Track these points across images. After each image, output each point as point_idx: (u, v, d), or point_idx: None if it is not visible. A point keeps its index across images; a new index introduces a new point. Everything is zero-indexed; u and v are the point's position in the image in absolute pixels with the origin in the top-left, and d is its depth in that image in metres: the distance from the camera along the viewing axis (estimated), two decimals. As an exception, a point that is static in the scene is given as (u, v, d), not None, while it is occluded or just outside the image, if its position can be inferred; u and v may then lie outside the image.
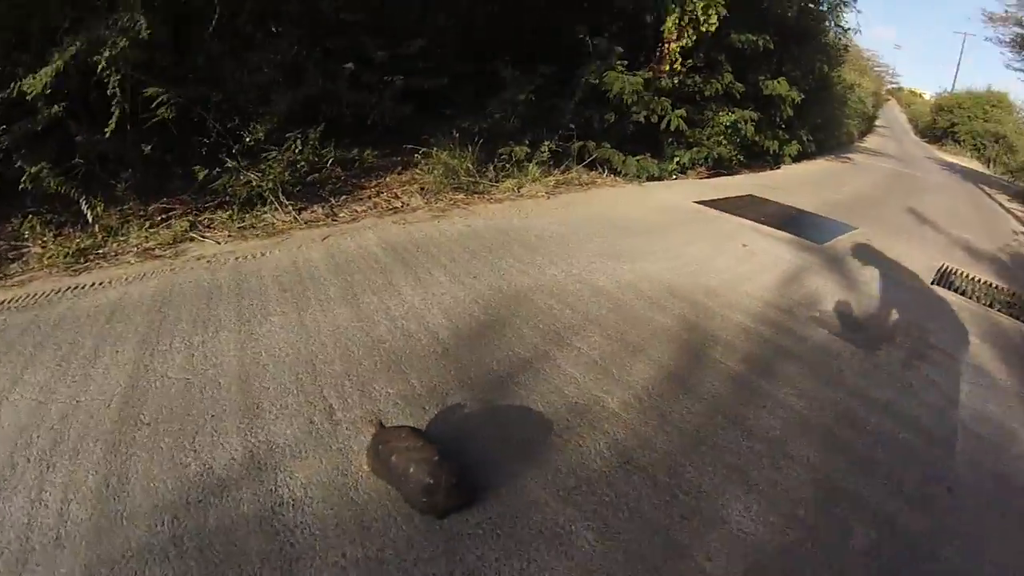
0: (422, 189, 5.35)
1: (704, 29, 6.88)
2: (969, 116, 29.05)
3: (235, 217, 4.03)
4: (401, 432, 1.76)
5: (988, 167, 25.00)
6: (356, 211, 4.66)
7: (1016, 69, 23.83)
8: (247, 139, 4.39)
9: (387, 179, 5.38)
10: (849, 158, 14.75)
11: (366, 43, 5.34)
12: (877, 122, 28.66)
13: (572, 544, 1.65)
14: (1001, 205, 12.54)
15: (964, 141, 28.57)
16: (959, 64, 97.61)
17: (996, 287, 5.15)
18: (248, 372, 2.27)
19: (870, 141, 19.97)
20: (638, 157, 7.04)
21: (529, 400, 2.30)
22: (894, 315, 4.00)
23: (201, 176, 4.01)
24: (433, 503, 1.61)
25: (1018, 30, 19.58)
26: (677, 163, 7.71)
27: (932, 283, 4.91)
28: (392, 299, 3.07)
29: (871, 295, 4.30)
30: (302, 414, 2.06)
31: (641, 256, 4.31)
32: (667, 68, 7.04)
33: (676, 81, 7.15)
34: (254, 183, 4.19)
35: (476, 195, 5.57)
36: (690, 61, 7.22)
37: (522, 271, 3.67)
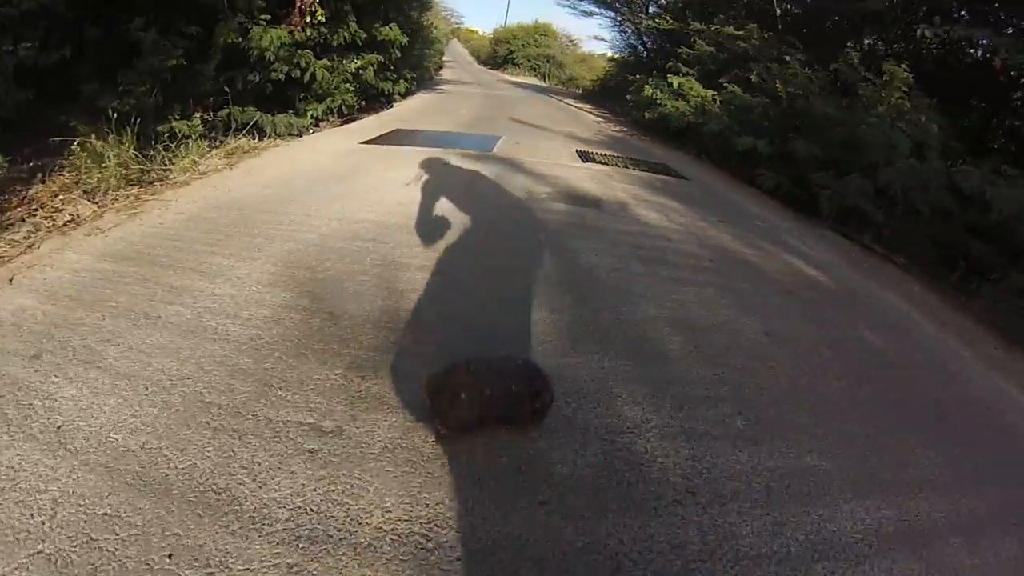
0: (86, 192, 4.46)
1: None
2: (524, 44, 36.25)
3: None
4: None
5: (544, 81, 32.44)
6: (11, 247, 3.47)
7: (563, 5, 31.64)
8: None
9: (33, 191, 4.28)
10: (443, 89, 16.58)
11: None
12: (444, 58, 33.34)
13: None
14: (572, 106, 16.86)
15: (522, 64, 35.76)
16: (509, 3, 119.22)
17: (617, 156, 7.54)
18: None
19: (446, 74, 23.29)
20: (280, 115, 7.05)
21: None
22: (587, 185, 5.65)
23: None
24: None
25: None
26: (312, 116, 7.86)
27: (584, 161, 6.87)
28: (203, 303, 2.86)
29: (557, 176, 5.84)
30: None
31: (365, 190, 4.77)
32: (308, 20, 7.10)
33: (312, 33, 7.28)
34: None
35: (154, 183, 4.93)
36: (321, 13, 7.38)
37: (288, 235, 3.71)
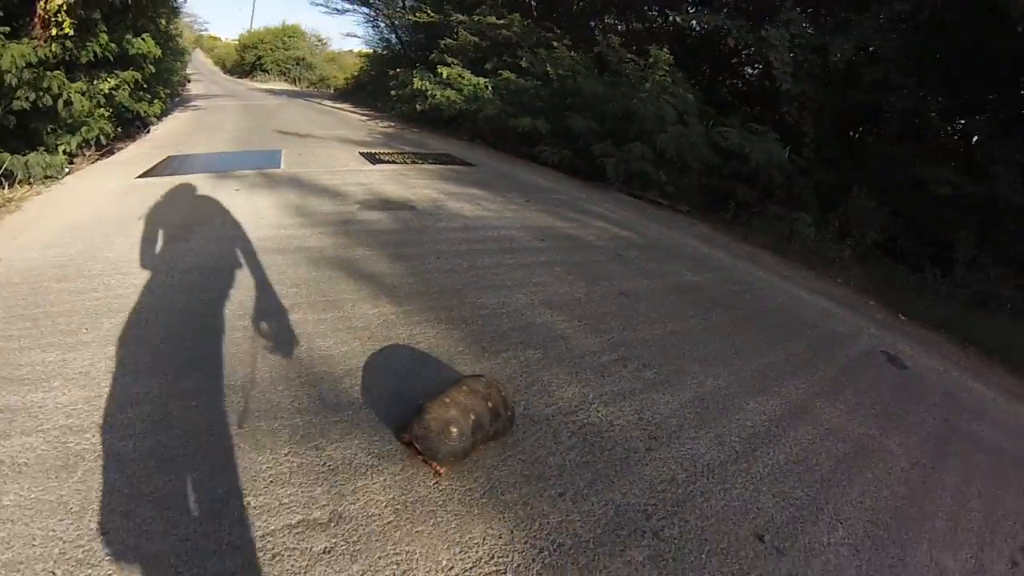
0: None
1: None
2: (272, 48, 33.45)
3: None
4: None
5: (296, 85, 30.51)
6: None
7: (316, 3, 29.41)
8: None
9: None
10: (197, 106, 14.80)
11: None
12: (187, 70, 29.35)
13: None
14: (332, 107, 16.07)
15: (271, 70, 33.05)
16: (254, 6, 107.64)
17: (399, 152, 7.25)
18: None
19: (194, 88, 20.60)
20: (33, 155, 5.40)
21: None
22: (390, 188, 5.47)
23: None
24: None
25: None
26: (65, 152, 6.19)
27: (373, 164, 6.47)
28: None
29: (357, 183, 5.44)
30: None
31: (174, 228, 3.89)
32: (54, 32, 5.41)
33: (57, 49, 5.62)
34: None
35: None
36: (68, 23, 5.67)
37: (115, 304, 2.81)
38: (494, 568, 1.51)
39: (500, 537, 1.60)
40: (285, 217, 4.33)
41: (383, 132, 10.92)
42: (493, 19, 10.88)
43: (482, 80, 10.51)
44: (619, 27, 10.47)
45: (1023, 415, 3.40)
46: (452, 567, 1.49)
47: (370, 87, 18.00)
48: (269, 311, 2.73)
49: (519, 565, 1.52)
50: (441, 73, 10.88)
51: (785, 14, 7.31)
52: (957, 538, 2.01)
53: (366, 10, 19.22)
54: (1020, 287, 5.40)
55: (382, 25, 18.92)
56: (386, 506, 1.64)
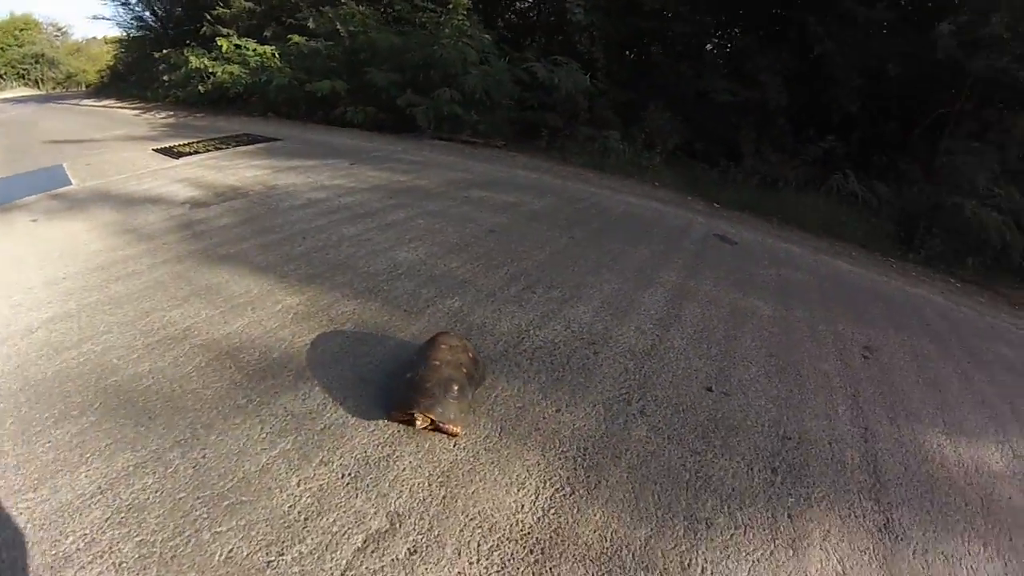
0: None
1: None
2: (2, 48, 26.05)
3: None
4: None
5: (40, 87, 24.41)
6: None
7: None
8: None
9: None
10: None
11: None
12: None
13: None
14: (96, 107, 13.35)
15: (6, 74, 25.91)
16: None
17: (197, 141, 6.36)
18: None
19: None
20: None
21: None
22: (213, 177, 4.99)
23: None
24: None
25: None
26: None
27: (176, 158, 5.60)
28: None
29: (173, 180, 4.73)
30: None
31: None
32: None
33: None
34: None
35: None
36: None
37: None
38: (553, 487, 1.59)
39: (538, 463, 1.68)
40: (115, 238, 3.42)
41: (167, 124, 9.46)
42: (267, -23, 9.79)
43: (268, 48, 9.53)
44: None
45: (821, 260, 4.30)
46: (522, 504, 1.53)
47: (133, 77, 15.22)
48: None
49: (568, 477, 1.63)
50: (221, 46, 9.61)
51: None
52: (822, 351, 2.59)
53: (113, -18, 15.80)
54: (794, 168, 6.58)
55: (133, 1, 15.83)
56: (430, 485, 1.55)
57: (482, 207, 4.22)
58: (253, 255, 3.10)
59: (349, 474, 1.56)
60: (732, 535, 1.48)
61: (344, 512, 1.44)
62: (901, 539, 1.56)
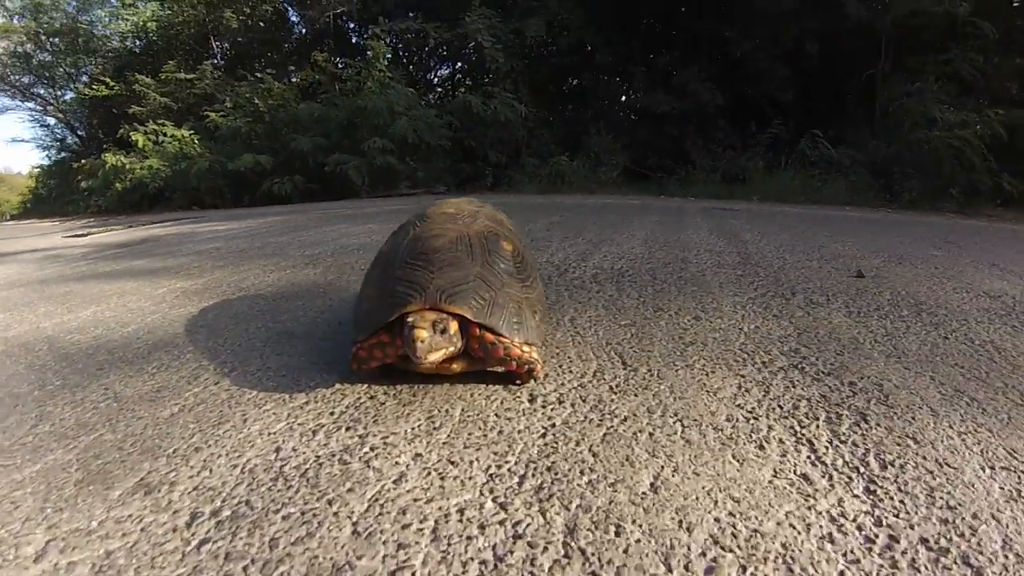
0: None
1: None
2: None
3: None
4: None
5: None
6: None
7: None
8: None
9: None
10: None
11: None
12: None
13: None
14: (6, 224, 12.39)
15: None
16: None
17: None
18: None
19: None
20: None
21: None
22: None
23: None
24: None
25: None
26: None
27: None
28: None
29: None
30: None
31: None
32: None
33: None
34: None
35: None
36: None
37: None
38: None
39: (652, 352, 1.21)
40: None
41: (81, 226, 8.39)
42: (182, 75, 9.51)
43: (186, 132, 8.99)
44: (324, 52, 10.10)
45: (820, 211, 4.37)
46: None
47: (54, 195, 14.59)
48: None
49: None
50: (136, 141, 9.07)
51: (475, 11, 7.68)
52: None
53: (31, 104, 15.44)
54: (750, 159, 6.53)
55: (52, 122, 15.45)
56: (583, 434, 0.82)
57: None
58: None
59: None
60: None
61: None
62: None
